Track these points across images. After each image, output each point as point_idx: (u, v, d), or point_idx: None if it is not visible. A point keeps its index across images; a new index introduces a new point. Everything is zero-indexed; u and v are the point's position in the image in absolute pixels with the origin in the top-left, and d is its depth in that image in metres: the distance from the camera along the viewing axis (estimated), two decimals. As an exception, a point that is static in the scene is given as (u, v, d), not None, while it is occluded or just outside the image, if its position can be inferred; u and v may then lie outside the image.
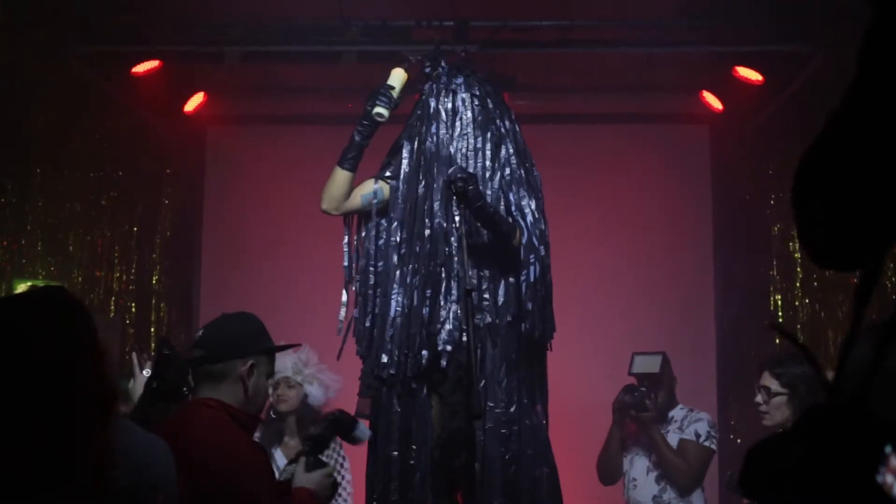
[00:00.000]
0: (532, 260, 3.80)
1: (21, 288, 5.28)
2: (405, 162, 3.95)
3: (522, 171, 3.92)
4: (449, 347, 3.66)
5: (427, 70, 4.03)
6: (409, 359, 3.73)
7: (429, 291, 3.76)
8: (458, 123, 3.91)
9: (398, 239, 3.87)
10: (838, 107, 1.08)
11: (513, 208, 3.84)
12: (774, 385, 3.74)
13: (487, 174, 3.86)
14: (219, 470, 2.79)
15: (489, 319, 3.75)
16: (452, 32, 5.57)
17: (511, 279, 3.81)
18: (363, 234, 3.99)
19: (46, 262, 6.03)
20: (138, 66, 5.85)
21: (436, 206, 3.82)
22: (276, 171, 6.64)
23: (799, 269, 6.15)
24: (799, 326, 6.08)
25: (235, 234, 6.69)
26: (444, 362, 3.67)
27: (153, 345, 6.12)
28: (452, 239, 3.76)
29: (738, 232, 6.53)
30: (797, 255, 6.11)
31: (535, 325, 3.81)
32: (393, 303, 3.80)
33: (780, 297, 6.25)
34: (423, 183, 3.89)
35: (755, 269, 6.38)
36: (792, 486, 0.97)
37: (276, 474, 3.15)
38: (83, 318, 1.92)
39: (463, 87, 3.96)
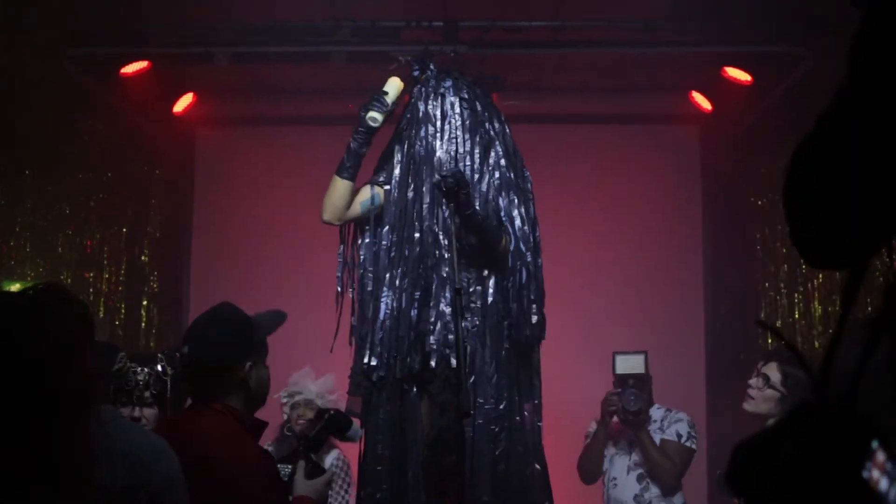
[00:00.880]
0: (519, 266, 3.80)
1: (13, 289, 5.25)
2: (396, 166, 3.94)
3: (512, 174, 3.90)
4: (436, 347, 3.66)
5: (416, 73, 4.01)
6: (398, 361, 3.73)
7: (417, 294, 3.75)
8: (446, 127, 3.89)
9: (388, 243, 3.87)
10: (829, 106, 1.08)
11: (501, 214, 3.83)
12: (776, 378, 3.74)
13: (476, 177, 3.85)
14: (228, 476, 2.72)
15: (478, 322, 3.76)
16: (442, 33, 5.58)
17: (499, 281, 3.81)
18: (359, 241, 3.96)
19: (35, 264, 6.02)
20: (127, 68, 5.83)
21: (425, 209, 3.81)
22: (266, 172, 6.63)
23: (787, 269, 6.16)
24: (788, 325, 6.09)
25: (225, 235, 6.68)
26: (433, 363, 3.67)
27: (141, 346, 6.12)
28: (442, 240, 3.76)
29: (727, 232, 6.54)
30: (787, 254, 6.12)
31: (522, 328, 3.80)
32: (382, 306, 3.79)
33: (769, 297, 6.26)
34: (412, 186, 3.87)
35: (744, 270, 6.40)
36: (779, 482, 0.97)
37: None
38: (61, 316, 1.88)
39: (451, 90, 3.94)
